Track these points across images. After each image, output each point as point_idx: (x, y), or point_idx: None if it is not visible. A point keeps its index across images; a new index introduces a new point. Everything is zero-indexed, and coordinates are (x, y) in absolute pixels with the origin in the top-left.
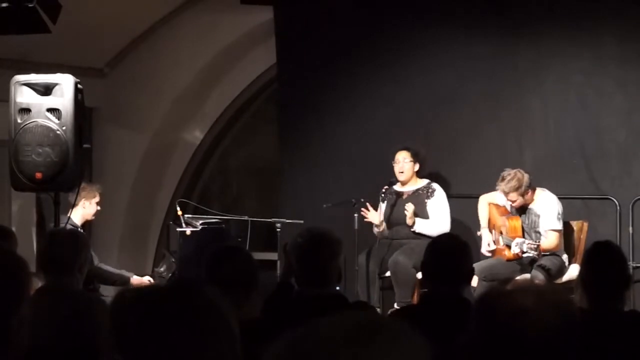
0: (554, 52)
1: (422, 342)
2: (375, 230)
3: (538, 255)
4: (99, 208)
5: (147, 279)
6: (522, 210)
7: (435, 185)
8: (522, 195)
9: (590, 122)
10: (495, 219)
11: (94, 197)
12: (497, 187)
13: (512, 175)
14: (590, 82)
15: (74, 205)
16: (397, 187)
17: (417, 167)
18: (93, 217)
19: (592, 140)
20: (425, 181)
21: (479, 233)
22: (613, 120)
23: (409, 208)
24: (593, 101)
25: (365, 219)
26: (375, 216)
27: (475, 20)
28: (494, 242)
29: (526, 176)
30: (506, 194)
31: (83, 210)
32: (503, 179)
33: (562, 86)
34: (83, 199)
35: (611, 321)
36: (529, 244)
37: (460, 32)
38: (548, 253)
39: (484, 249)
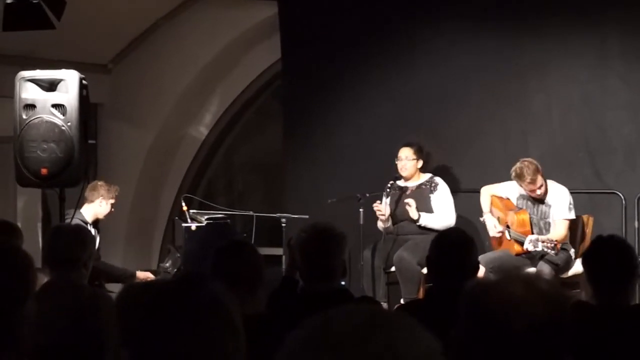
0: (558, 48)
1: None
2: (380, 225)
3: (556, 253)
4: (112, 210)
5: (152, 275)
6: (538, 200)
7: (437, 179)
8: (542, 175)
9: (594, 116)
10: (499, 209)
11: (112, 198)
12: (520, 184)
13: (523, 164)
14: (595, 77)
15: (80, 201)
16: (401, 183)
17: (420, 163)
18: (104, 218)
19: (597, 135)
20: (427, 175)
21: (482, 219)
22: (617, 115)
23: (411, 203)
24: (597, 96)
25: (377, 208)
26: (385, 209)
27: (479, 16)
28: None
29: (530, 159)
30: (532, 182)
31: (98, 209)
32: (519, 173)
33: (567, 81)
34: (101, 197)
35: (617, 316)
36: (544, 242)
37: (464, 27)
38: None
39: (492, 232)
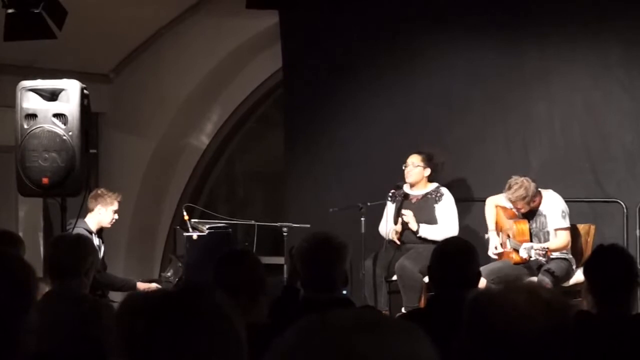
0: (560, 56)
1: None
2: (381, 229)
3: (547, 260)
4: (116, 217)
5: (153, 285)
6: (531, 213)
7: (443, 190)
8: (529, 203)
9: (596, 125)
10: (502, 221)
11: (111, 204)
12: (504, 195)
13: (520, 184)
14: (597, 85)
15: (83, 210)
16: (407, 189)
17: (427, 171)
18: (109, 225)
19: (599, 144)
20: (434, 185)
21: (486, 236)
22: (619, 123)
23: (408, 214)
24: (599, 104)
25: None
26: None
27: (481, 25)
28: (501, 244)
29: (533, 185)
30: (513, 202)
31: (99, 217)
32: (510, 187)
33: (569, 89)
34: (99, 205)
35: (619, 325)
36: (536, 249)
37: (466, 36)
38: (558, 254)
39: (491, 252)
